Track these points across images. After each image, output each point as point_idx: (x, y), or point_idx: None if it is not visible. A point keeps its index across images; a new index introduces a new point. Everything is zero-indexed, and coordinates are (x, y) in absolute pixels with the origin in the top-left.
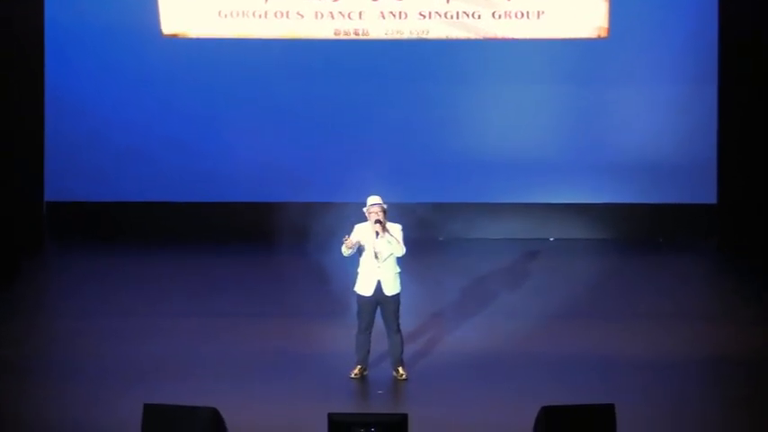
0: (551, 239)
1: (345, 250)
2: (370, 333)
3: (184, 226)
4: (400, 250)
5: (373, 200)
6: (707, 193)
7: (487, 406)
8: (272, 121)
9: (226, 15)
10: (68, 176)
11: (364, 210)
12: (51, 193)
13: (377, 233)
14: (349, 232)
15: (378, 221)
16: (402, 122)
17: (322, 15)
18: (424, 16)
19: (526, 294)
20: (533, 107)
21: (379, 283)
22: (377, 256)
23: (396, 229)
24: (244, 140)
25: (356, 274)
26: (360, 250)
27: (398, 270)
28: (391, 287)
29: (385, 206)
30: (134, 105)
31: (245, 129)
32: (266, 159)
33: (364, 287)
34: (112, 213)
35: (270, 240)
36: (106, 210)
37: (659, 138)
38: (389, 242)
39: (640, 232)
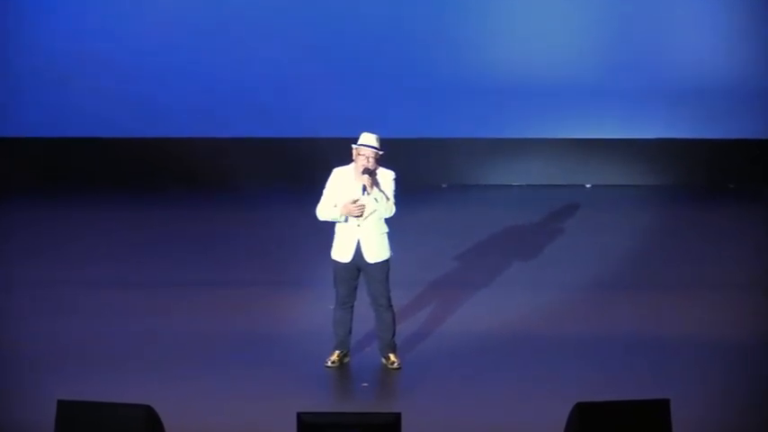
0: (588, 186)
1: (324, 212)
2: (351, 307)
3: (118, 167)
4: (389, 210)
5: (367, 138)
6: None
7: (503, 402)
8: (237, 41)
9: None
10: None
11: (353, 147)
12: None
13: (363, 187)
14: (324, 179)
15: (366, 171)
16: (398, 37)
17: None
18: None
19: (554, 259)
20: (566, 17)
21: (359, 246)
22: None
23: (387, 178)
24: (203, 65)
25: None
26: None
27: (385, 230)
28: (375, 252)
29: (381, 152)
30: (80, 19)
31: (204, 52)
32: (229, 86)
33: (341, 252)
34: (41, 152)
35: (228, 185)
36: (24, 147)
37: (725, 56)
38: (377, 199)
39: (702, 176)
